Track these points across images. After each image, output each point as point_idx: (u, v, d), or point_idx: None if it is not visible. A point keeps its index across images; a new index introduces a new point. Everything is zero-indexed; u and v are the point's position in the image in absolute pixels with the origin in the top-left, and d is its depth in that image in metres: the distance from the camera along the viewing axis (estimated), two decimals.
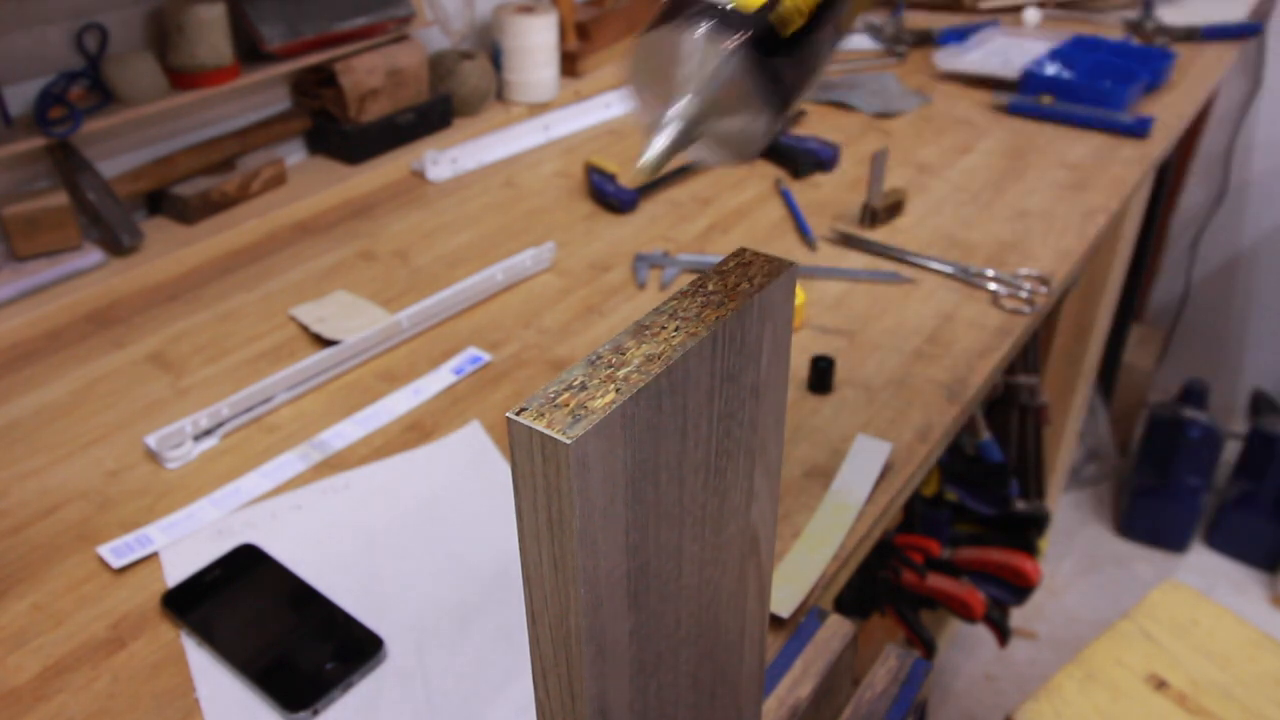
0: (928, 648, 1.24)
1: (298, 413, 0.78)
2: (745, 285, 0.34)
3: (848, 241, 1.02)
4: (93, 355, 0.86)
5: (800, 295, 0.89)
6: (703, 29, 0.30)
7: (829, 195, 1.12)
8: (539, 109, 1.34)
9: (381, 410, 0.78)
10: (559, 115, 1.31)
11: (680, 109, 0.31)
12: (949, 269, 0.95)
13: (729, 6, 0.30)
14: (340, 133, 1.16)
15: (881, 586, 1.24)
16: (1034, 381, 1.46)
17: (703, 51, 0.31)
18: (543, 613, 0.31)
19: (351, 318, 0.87)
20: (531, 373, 0.82)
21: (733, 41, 0.30)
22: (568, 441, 0.26)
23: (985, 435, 1.40)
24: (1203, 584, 1.95)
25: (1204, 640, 1.17)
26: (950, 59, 1.46)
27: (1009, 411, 1.50)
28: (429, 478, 0.72)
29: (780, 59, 0.31)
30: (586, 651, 0.31)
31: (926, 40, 1.60)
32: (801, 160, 1.16)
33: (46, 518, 0.68)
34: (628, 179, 0.31)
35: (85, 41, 0.97)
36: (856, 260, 0.99)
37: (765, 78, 0.31)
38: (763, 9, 0.31)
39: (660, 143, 0.31)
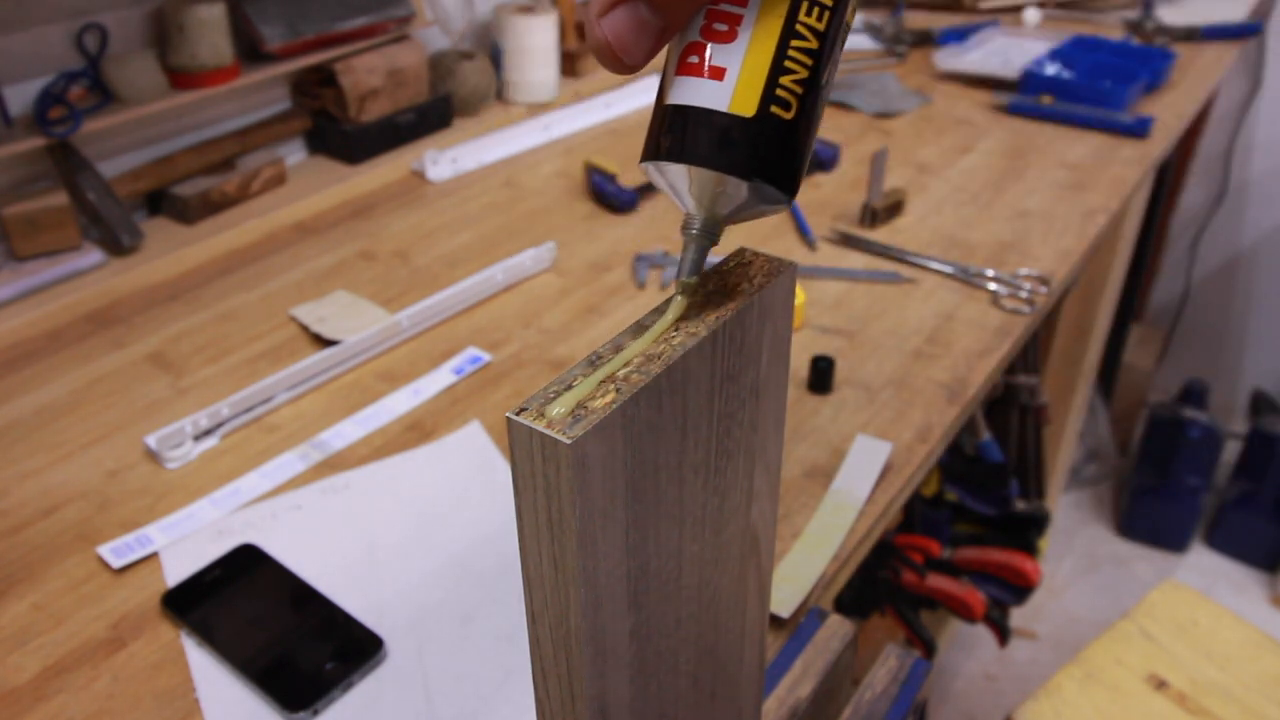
0: (928, 648, 1.24)
1: (298, 413, 0.78)
2: (745, 285, 0.34)
3: (848, 241, 1.02)
4: (93, 355, 0.86)
5: (800, 295, 0.89)
6: (711, 171, 0.31)
7: (829, 195, 1.12)
8: (539, 109, 1.34)
9: (381, 410, 0.78)
10: (559, 115, 1.31)
11: (701, 225, 0.32)
12: (949, 269, 0.95)
13: (726, 118, 0.30)
14: (340, 133, 1.16)
15: (881, 586, 1.24)
16: (1034, 381, 1.46)
17: (714, 184, 0.31)
18: (543, 613, 0.31)
19: (351, 318, 0.87)
20: (531, 373, 0.82)
21: (744, 179, 0.31)
22: (567, 441, 0.26)
23: (985, 435, 1.40)
24: (1203, 584, 1.95)
25: (1204, 640, 1.17)
26: (950, 59, 1.46)
27: (1009, 411, 1.50)
28: (429, 478, 0.72)
29: (790, 144, 0.31)
30: (586, 651, 0.31)
31: (926, 40, 1.60)
32: None
33: (46, 518, 0.68)
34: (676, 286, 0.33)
35: (85, 41, 0.97)
36: (856, 260, 0.99)
37: (779, 182, 0.31)
38: (762, 111, 0.30)
39: (689, 263, 0.32)
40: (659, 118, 0.32)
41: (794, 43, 0.30)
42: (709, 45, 0.30)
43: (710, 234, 0.33)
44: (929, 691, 1.09)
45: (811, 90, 0.31)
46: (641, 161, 0.32)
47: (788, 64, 0.30)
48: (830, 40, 0.31)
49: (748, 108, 0.30)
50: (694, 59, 0.31)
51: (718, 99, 0.30)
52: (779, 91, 0.30)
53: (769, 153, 0.31)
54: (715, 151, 0.30)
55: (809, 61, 0.30)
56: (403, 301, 0.91)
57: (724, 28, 0.30)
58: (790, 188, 0.32)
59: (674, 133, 0.31)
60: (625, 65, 0.30)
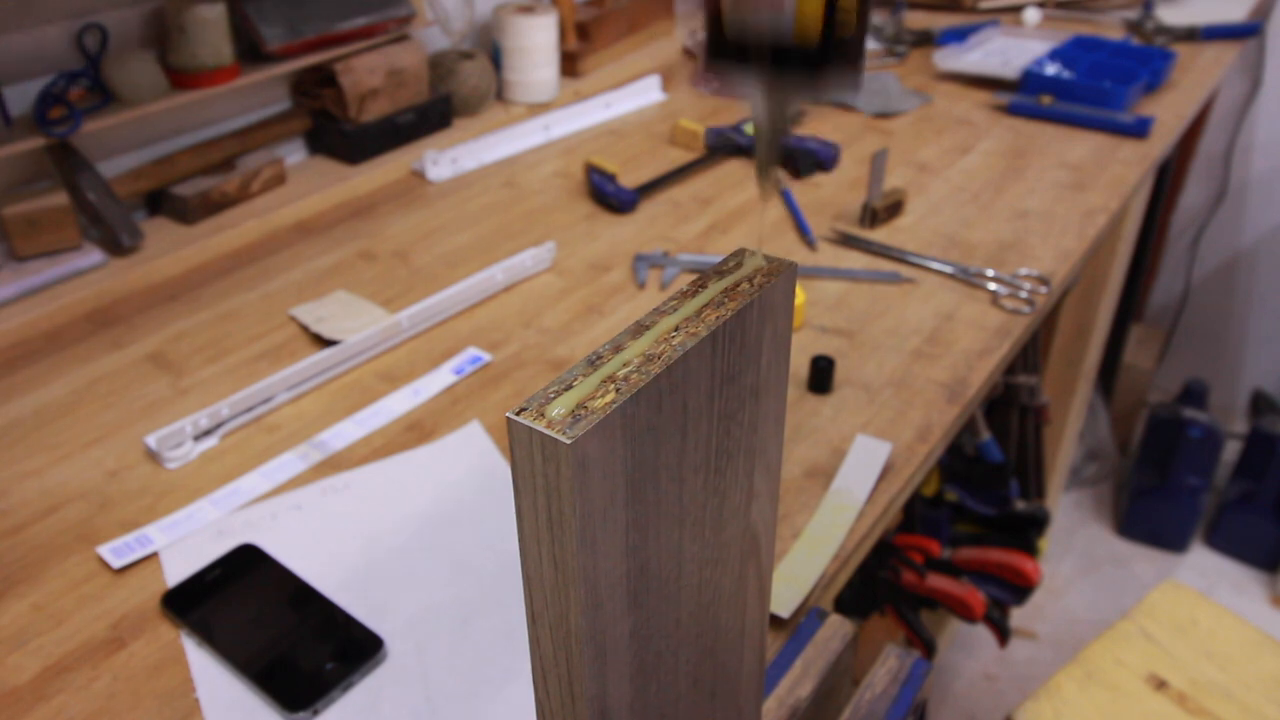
0: (928, 648, 1.24)
1: (298, 413, 0.78)
2: (745, 285, 0.34)
3: (848, 241, 1.02)
4: (93, 355, 0.86)
5: (800, 295, 0.89)
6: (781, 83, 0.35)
7: (829, 195, 1.12)
8: (539, 109, 1.34)
9: (381, 410, 0.78)
10: (559, 115, 1.31)
11: (767, 142, 0.37)
12: (949, 269, 0.95)
13: (791, 49, 0.34)
14: (340, 133, 1.16)
15: (881, 586, 1.24)
16: (1034, 381, 1.46)
17: (780, 106, 0.36)
18: (543, 613, 0.31)
19: (351, 318, 0.87)
20: (531, 373, 0.82)
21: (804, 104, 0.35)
22: (568, 441, 0.26)
23: (985, 435, 1.40)
24: (1203, 584, 1.95)
25: (1204, 640, 1.17)
26: (950, 59, 1.46)
27: (1009, 411, 1.50)
28: (429, 478, 0.72)
29: (847, 53, 0.35)
30: (586, 651, 0.31)
31: (926, 40, 1.60)
32: (801, 160, 1.16)
33: (46, 518, 0.68)
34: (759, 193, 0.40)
35: (85, 41, 0.97)
36: (856, 260, 0.99)
37: (840, 88, 0.36)
38: (826, 39, 0.34)
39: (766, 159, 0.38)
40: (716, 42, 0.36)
41: None
42: None
43: (778, 143, 0.37)
44: (929, 691, 1.09)
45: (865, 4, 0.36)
46: (710, 68, 0.37)
47: None
48: None
49: (811, 33, 0.34)
50: None
51: (783, 22, 0.35)
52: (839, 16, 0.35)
53: (832, 63, 0.35)
54: (783, 68, 0.35)
55: None
56: (403, 301, 0.91)
57: None
58: (855, 83, 0.36)
59: (745, 55, 0.35)
60: None
